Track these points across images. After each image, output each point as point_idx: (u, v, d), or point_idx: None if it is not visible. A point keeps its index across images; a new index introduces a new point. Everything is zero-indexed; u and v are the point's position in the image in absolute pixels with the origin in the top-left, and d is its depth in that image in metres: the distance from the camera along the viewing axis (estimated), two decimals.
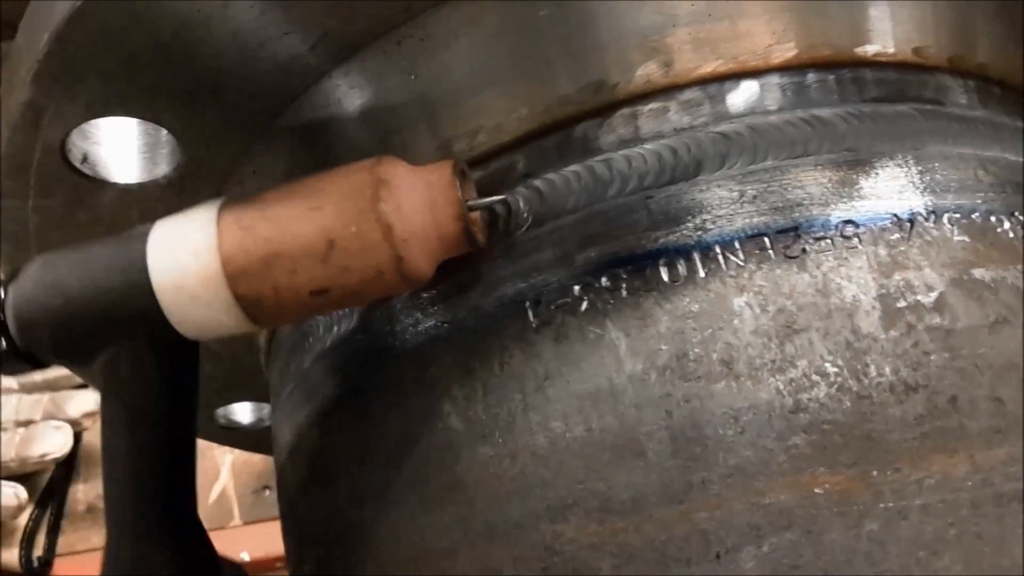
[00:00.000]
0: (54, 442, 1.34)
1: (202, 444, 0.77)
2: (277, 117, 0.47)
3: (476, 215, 0.40)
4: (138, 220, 0.42)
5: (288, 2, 0.42)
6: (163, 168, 0.49)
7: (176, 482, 0.42)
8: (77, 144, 0.47)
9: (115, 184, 0.49)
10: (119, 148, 0.48)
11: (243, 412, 0.73)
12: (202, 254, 0.38)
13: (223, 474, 1.27)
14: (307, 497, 0.46)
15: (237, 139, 0.48)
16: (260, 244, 0.38)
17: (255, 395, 0.70)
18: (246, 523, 1.25)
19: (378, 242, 0.37)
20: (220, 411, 0.72)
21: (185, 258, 0.38)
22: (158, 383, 0.40)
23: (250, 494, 1.26)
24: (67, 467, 1.40)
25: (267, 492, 1.28)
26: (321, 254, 0.38)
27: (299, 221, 0.38)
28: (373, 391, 0.43)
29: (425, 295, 0.42)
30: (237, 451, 1.18)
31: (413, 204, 0.38)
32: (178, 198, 0.50)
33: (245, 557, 1.18)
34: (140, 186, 0.50)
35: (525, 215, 0.41)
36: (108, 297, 0.39)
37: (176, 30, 0.42)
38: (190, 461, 0.43)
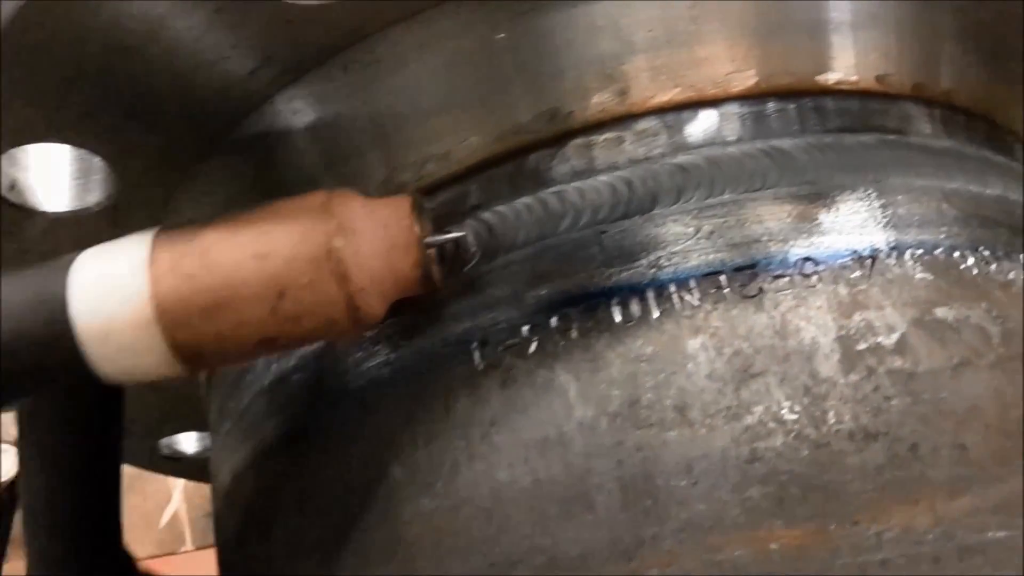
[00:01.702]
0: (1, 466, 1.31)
1: None
2: (217, 143, 0.45)
3: (433, 253, 0.38)
4: (70, 250, 0.39)
5: (228, 25, 0.40)
6: (96, 196, 0.47)
7: (98, 517, 0.40)
8: (5, 170, 0.45)
9: (44, 213, 0.47)
10: (49, 175, 0.46)
11: (188, 442, 0.70)
12: (134, 301, 0.35)
13: (175, 497, 1.23)
14: (243, 547, 0.44)
15: (174, 166, 0.46)
16: (201, 295, 0.35)
17: (200, 425, 0.67)
18: (198, 548, 1.22)
19: (332, 293, 0.35)
20: (164, 441, 0.69)
21: (114, 306, 0.35)
22: (79, 430, 0.38)
23: (203, 517, 1.22)
24: (12, 491, 1.36)
25: None
26: (270, 305, 0.35)
27: (244, 270, 0.34)
28: (313, 434, 0.41)
29: (368, 333, 0.40)
30: None
31: (370, 249, 0.36)
32: (112, 227, 0.47)
33: None
34: (72, 214, 0.47)
35: (474, 250, 0.39)
36: (24, 344, 0.35)
37: (108, 53, 0.40)
38: (114, 498, 0.40)
